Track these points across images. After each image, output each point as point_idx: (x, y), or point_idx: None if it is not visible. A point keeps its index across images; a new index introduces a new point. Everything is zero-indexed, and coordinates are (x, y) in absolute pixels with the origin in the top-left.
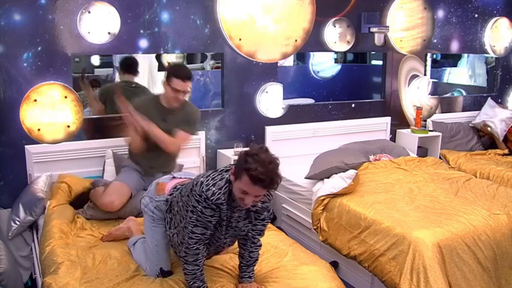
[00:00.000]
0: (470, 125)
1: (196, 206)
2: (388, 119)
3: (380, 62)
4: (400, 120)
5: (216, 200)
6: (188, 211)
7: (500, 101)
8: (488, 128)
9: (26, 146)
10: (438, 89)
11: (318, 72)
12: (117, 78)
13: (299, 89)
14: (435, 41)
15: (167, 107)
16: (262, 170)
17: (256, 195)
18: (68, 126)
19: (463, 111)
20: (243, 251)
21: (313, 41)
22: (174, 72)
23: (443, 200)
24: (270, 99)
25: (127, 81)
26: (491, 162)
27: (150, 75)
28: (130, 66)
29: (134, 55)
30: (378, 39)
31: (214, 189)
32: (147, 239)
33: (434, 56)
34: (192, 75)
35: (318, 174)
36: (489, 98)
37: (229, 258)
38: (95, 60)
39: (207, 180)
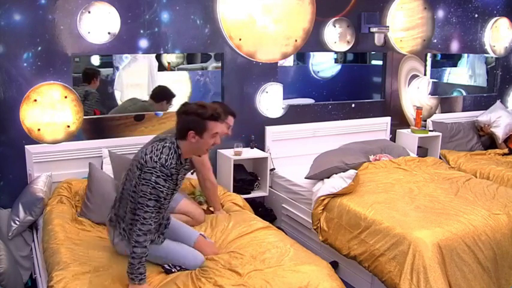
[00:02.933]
0: (474, 120)
1: (150, 179)
2: (388, 119)
3: (380, 62)
4: (400, 120)
5: (170, 166)
6: (142, 185)
7: (500, 101)
8: (492, 129)
9: (26, 146)
10: (438, 89)
11: (318, 72)
12: (117, 78)
13: (299, 89)
14: (435, 41)
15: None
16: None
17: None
18: (68, 126)
19: (463, 111)
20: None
21: (313, 41)
22: (227, 110)
23: (443, 200)
24: (270, 99)
25: None
26: (491, 162)
27: (150, 75)
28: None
29: (134, 55)
30: (378, 39)
31: (164, 156)
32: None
33: (438, 58)
34: None
35: (318, 174)
36: (498, 101)
37: (230, 258)
38: (95, 60)
39: (155, 153)
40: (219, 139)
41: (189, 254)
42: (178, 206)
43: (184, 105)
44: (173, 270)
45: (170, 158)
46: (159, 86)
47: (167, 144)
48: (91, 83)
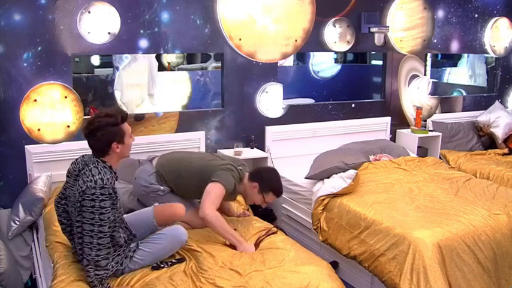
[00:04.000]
0: (474, 120)
1: (94, 205)
2: (388, 119)
3: (380, 62)
4: (400, 120)
5: (108, 182)
6: (84, 212)
7: (500, 101)
8: (491, 130)
9: (26, 146)
10: (438, 89)
11: (318, 72)
12: (117, 78)
13: (299, 89)
14: (435, 41)
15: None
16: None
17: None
18: (68, 126)
19: (463, 111)
20: None
21: (313, 41)
22: (275, 189)
23: (443, 200)
24: (270, 99)
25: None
26: (491, 162)
27: (150, 75)
28: None
29: (134, 55)
30: (378, 39)
31: (97, 176)
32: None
33: (438, 58)
34: None
35: (318, 174)
36: (497, 101)
37: (231, 257)
38: (95, 60)
39: (88, 179)
40: (133, 137)
41: (171, 239)
42: None
43: (91, 123)
44: (162, 266)
45: (104, 175)
46: None
47: (91, 166)
48: None
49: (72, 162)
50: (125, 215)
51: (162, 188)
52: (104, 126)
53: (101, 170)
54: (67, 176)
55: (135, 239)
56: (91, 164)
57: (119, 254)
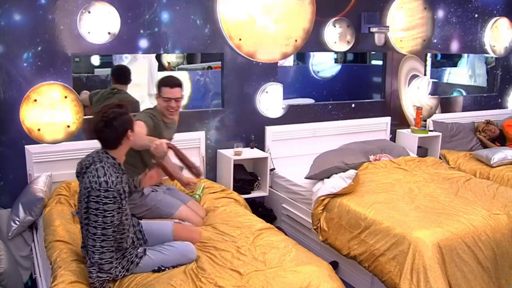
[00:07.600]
0: (474, 121)
1: (98, 208)
2: (388, 119)
3: (380, 62)
4: (400, 120)
5: (114, 185)
6: (93, 215)
7: (500, 101)
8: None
9: (26, 146)
10: (438, 89)
11: (318, 72)
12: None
13: (299, 89)
14: (435, 41)
15: (166, 122)
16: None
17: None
18: (68, 126)
19: (463, 111)
20: None
21: (313, 41)
22: (161, 82)
23: (443, 200)
24: (270, 99)
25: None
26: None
27: (150, 75)
28: (120, 75)
29: (134, 55)
30: (378, 39)
31: (102, 178)
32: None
33: (438, 58)
34: (182, 83)
35: (318, 174)
36: None
37: (232, 257)
38: (95, 60)
39: (93, 180)
40: None
41: (179, 255)
42: (177, 213)
43: (105, 115)
44: (163, 269)
45: (109, 176)
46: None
47: (98, 165)
48: None
49: (78, 163)
50: (143, 221)
51: None
52: (119, 115)
53: (107, 170)
54: (76, 176)
55: (145, 244)
56: (98, 162)
57: (125, 256)
